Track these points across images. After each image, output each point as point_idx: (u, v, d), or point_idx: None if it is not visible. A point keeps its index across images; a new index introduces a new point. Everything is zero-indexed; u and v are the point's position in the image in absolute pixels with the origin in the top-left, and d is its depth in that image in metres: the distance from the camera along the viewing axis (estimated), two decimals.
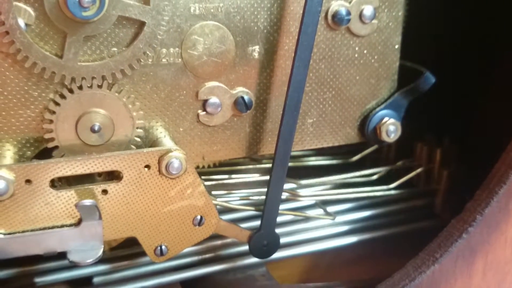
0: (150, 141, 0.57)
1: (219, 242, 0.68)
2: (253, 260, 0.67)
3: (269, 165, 0.68)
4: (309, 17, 0.55)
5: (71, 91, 0.52)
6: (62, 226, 0.52)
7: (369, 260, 0.73)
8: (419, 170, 0.75)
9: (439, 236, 0.62)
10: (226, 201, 0.66)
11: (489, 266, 0.62)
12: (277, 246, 0.61)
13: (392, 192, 0.74)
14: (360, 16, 0.60)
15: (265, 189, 0.59)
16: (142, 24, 0.52)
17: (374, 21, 0.61)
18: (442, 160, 0.75)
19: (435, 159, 0.75)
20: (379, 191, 0.74)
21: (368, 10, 0.60)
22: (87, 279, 0.63)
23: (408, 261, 0.62)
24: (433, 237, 0.63)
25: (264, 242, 0.60)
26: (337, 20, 0.59)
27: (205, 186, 0.56)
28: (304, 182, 0.72)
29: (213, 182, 0.70)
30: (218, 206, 0.61)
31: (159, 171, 0.53)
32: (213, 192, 0.68)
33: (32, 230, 0.51)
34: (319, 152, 0.80)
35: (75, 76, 0.52)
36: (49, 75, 0.51)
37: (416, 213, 0.76)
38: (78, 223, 0.51)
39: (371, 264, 0.72)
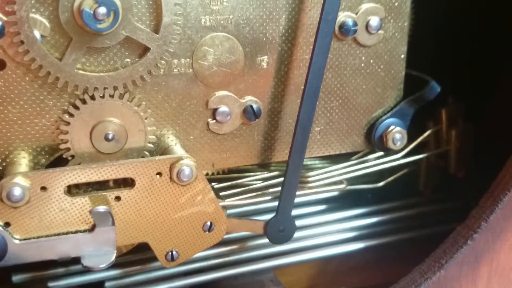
0: (161, 149, 0.58)
1: (228, 247, 0.69)
2: (262, 265, 0.68)
3: (277, 173, 0.68)
4: (325, 23, 0.56)
5: (84, 101, 0.54)
6: (76, 231, 0.53)
7: (375, 266, 0.74)
8: (429, 131, 0.73)
9: (445, 243, 0.63)
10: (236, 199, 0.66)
11: (494, 273, 0.63)
12: (293, 231, 0.61)
13: (401, 161, 0.71)
14: (367, 26, 0.62)
15: (273, 193, 0.59)
16: (146, 48, 0.54)
17: (380, 32, 0.62)
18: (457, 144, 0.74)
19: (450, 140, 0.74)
20: (388, 162, 0.71)
21: (374, 21, 0.61)
22: (99, 284, 0.64)
23: (414, 267, 0.63)
24: (439, 244, 0.63)
25: (280, 227, 0.60)
26: (344, 31, 0.60)
27: (215, 191, 0.57)
28: (313, 173, 0.70)
29: (223, 185, 0.69)
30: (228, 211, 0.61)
31: (171, 178, 0.54)
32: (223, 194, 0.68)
33: (46, 236, 0.52)
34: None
35: (69, 81, 0.52)
36: (53, 79, 0.52)
37: (422, 219, 0.77)
38: (92, 229, 0.53)
39: (378, 270, 0.73)
